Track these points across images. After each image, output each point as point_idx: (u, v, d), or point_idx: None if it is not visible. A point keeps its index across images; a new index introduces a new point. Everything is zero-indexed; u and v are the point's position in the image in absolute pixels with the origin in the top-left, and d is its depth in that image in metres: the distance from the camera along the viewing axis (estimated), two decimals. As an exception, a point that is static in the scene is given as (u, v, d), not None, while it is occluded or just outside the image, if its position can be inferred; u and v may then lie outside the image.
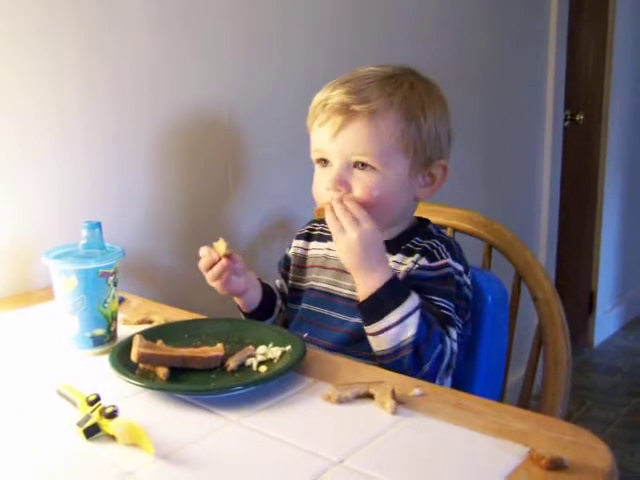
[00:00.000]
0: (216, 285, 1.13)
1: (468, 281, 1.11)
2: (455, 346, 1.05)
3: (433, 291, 1.05)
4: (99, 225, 1.03)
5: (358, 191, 1.07)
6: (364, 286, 1.01)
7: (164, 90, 1.45)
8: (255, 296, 1.20)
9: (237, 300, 1.20)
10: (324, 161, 1.10)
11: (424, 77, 1.15)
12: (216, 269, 1.10)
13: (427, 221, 1.18)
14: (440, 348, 1.01)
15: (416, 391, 0.84)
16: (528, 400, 1.29)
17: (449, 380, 1.10)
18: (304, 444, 0.74)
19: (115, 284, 1.01)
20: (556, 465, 0.67)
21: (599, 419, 2.70)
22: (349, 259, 1.01)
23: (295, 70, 1.71)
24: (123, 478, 0.69)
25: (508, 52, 2.51)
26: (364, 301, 1.01)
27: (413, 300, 0.99)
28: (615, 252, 3.54)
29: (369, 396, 0.83)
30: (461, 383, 1.12)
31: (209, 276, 1.12)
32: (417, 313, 0.98)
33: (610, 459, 0.70)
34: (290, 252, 1.27)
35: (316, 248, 1.22)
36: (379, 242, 1.02)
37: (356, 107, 1.05)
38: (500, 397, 1.26)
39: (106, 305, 1.00)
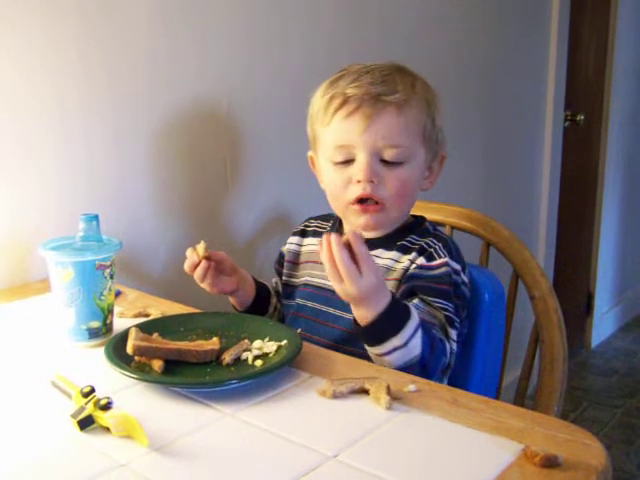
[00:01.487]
0: (204, 286, 1.13)
1: (466, 279, 1.11)
2: (455, 346, 1.05)
3: (432, 292, 1.05)
4: (96, 217, 1.03)
5: (390, 184, 1.06)
6: (364, 313, 0.95)
7: (163, 84, 1.45)
8: (248, 294, 1.20)
9: (230, 298, 1.20)
10: (346, 162, 1.07)
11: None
12: (198, 271, 1.10)
13: (423, 218, 1.18)
14: (444, 360, 1.01)
15: (411, 387, 0.84)
16: (524, 398, 1.29)
17: (445, 378, 1.10)
18: (299, 438, 0.74)
19: (112, 276, 1.01)
20: (550, 462, 0.67)
21: (595, 420, 2.70)
22: (345, 298, 0.95)
23: (295, 65, 1.71)
24: (116, 469, 0.69)
25: (509, 52, 2.51)
26: (365, 327, 0.95)
27: (414, 319, 0.95)
28: (613, 253, 3.54)
29: (364, 391, 0.83)
30: (457, 380, 1.12)
31: (195, 277, 1.12)
32: (419, 333, 0.95)
33: (604, 457, 0.70)
34: (284, 249, 1.27)
35: (311, 244, 1.22)
36: (380, 281, 0.94)
37: (386, 97, 1.04)
38: (496, 395, 1.26)
39: (102, 297, 0.99)
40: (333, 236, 0.91)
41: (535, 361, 1.29)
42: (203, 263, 1.10)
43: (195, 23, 1.49)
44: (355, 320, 0.97)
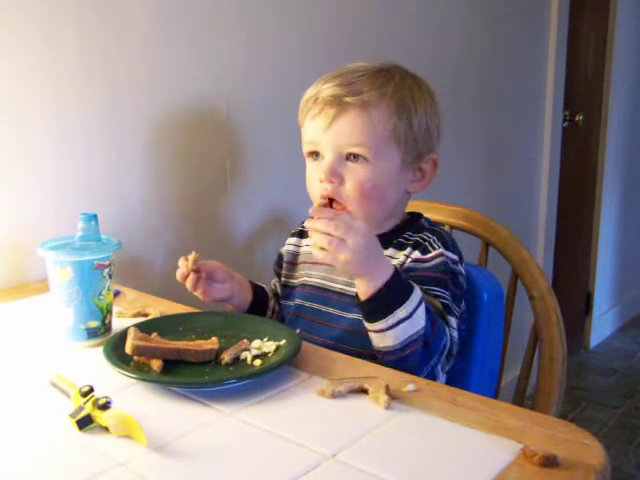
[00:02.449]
0: (196, 295, 1.13)
1: (462, 270, 1.10)
2: (455, 334, 1.04)
3: (429, 281, 1.05)
4: (95, 217, 1.03)
5: (351, 183, 1.06)
6: (366, 286, 0.95)
7: (162, 85, 1.45)
8: (244, 300, 1.20)
9: (226, 305, 1.20)
10: (316, 154, 1.10)
11: (412, 72, 1.15)
12: (188, 282, 1.11)
13: (419, 215, 1.18)
14: (445, 340, 1.01)
15: (410, 387, 0.84)
16: (523, 398, 1.29)
17: (444, 378, 1.10)
18: (297, 438, 0.74)
19: (110, 276, 1.01)
20: (549, 462, 0.67)
21: (594, 420, 2.70)
22: (345, 271, 0.96)
23: (294, 66, 1.70)
24: (115, 469, 0.69)
25: (508, 52, 2.51)
26: (368, 300, 0.95)
27: (417, 292, 0.96)
28: (612, 254, 3.54)
29: (363, 391, 0.83)
30: (456, 380, 1.12)
31: (187, 287, 1.12)
32: (423, 306, 0.96)
33: (603, 456, 0.70)
34: (283, 250, 1.27)
35: (309, 245, 1.22)
36: (372, 241, 0.95)
37: (349, 99, 1.05)
38: (495, 395, 1.26)
39: (101, 297, 0.99)
40: (310, 209, 0.95)
41: (534, 361, 1.29)
42: (192, 275, 1.10)
43: (194, 24, 1.49)
44: (357, 297, 0.97)
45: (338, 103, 1.05)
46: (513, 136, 2.63)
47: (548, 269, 2.91)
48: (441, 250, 1.07)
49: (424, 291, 1.03)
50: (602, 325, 3.51)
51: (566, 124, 2.96)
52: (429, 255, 1.07)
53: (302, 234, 1.25)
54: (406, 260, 1.09)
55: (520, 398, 1.29)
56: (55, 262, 0.97)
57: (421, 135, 1.10)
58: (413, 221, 1.16)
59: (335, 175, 1.06)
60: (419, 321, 0.95)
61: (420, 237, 1.10)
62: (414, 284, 0.97)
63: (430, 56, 2.14)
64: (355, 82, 1.06)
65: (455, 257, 1.09)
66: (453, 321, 1.05)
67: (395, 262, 1.09)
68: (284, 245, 1.27)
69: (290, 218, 1.69)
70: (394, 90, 1.07)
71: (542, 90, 2.75)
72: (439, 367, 1.04)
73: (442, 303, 1.04)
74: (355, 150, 1.06)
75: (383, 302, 0.94)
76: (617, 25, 3.18)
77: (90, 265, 0.98)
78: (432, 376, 1.04)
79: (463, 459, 0.71)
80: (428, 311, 0.97)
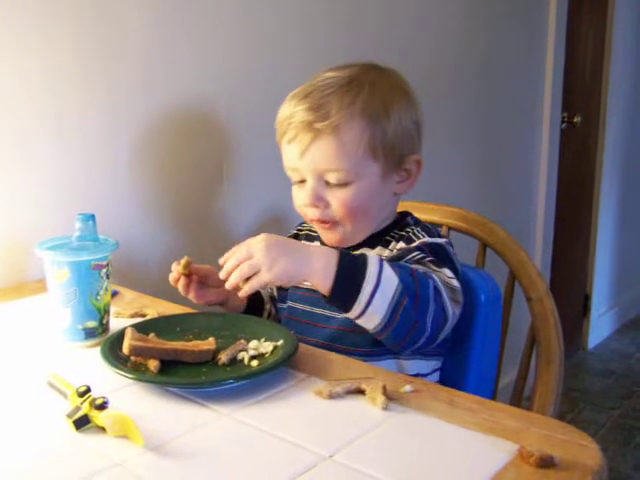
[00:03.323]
0: (190, 298, 1.13)
1: (452, 251, 1.08)
2: (455, 282, 1.00)
3: (405, 256, 1.03)
4: (93, 217, 1.02)
5: (335, 205, 1.07)
6: (320, 279, 0.91)
7: (160, 86, 1.45)
8: (238, 304, 1.20)
9: (220, 308, 1.20)
10: (299, 178, 1.10)
11: (387, 70, 1.13)
12: (179, 286, 1.11)
13: (407, 214, 1.18)
14: (432, 283, 0.95)
15: (407, 387, 0.84)
16: (520, 399, 1.29)
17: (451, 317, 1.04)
18: (294, 438, 0.74)
19: (108, 276, 1.01)
20: (545, 462, 0.67)
21: (592, 421, 2.71)
22: (285, 281, 0.93)
23: (292, 67, 1.70)
24: (112, 469, 0.69)
25: (506, 53, 2.51)
26: (331, 292, 0.91)
27: (372, 256, 0.93)
28: (610, 255, 3.55)
29: (360, 392, 0.83)
30: (453, 381, 1.12)
31: (179, 290, 1.12)
32: (386, 265, 0.92)
33: (600, 457, 0.70)
34: None
35: None
36: (278, 239, 0.94)
37: (318, 125, 1.04)
38: (492, 396, 1.26)
39: (98, 297, 0.99)
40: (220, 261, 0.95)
41: (532, 362, 1.29)
42: (182, 279, 1.10)
43: (193, 25, 1.49)
44: (326, 297, 0.94)
45: (309, 130, 1.05)
46: (511, 137, 2.63)
47: (546, 270, 2.91)
48: (425, 239, 1.07)
49: (408, 262, 1.01)
50: (600, 326, 3.51)
51: (564, 125, 2.96)
52: (413, 245, 1.06)
53: (296, 237, 1.26)
54: (391, 254, 1.09)
55: (518, 399, 1.29)
56: (53, 262, 0.97)
57: (398, 140, 1.08)
58: (401, 220, 1.16)
59: (319, 199, 1.08)
60: (391, 281, 0.91)
61: (405, 231, 1.11)
62: (366, 252, 0.94)
63: (428, 57, 2.14)
64: (324, 103, 1.05)
65: (440, 241, 1.07)
66: (447, 271, 1.01)
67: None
68: None
69: (287, 220, 1.68)
70: (364, 105, 1.06)
71: (540, 91, 2.75)
72: (449, 309, 0.97)
73: (424, 262, 1.01)
74: (333, 175, 1.06)
75: (344, 286, 0.91)
76: (615, 26, 3.18)
77: (87, 265, 0.97)
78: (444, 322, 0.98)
79: (460, 460, 0.71)
80: (398, 265, 0.95)
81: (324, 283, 0.91)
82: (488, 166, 2.53)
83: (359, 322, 0.94)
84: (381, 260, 0.93)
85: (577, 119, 3.01)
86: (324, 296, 0.94)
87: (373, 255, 0.94)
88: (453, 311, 0.98)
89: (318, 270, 0.91)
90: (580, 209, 3.31)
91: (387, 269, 0.92)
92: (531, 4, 2.63)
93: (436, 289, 0.96)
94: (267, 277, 0.90)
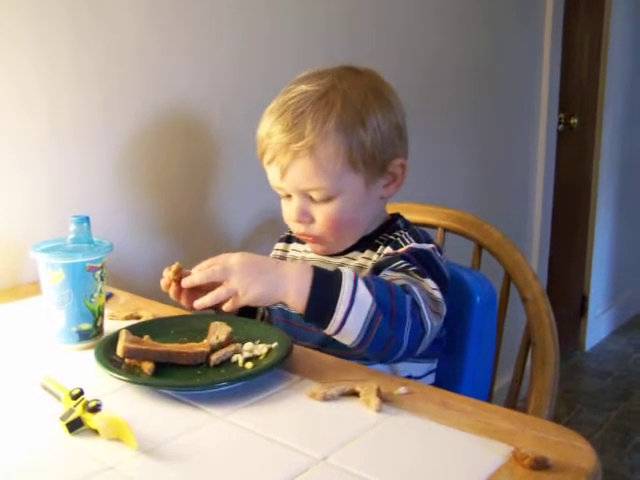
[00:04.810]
0: (182, 303, 1.13)
1: (442, 258, 1.08)
2: (437, 294, 0.99)
3: (391, 264, 1.03)
4: (87, 219, 1.02)
5: (320, 220, 1.08)
6: (295, 300, 0.92)
7: (155, 90, 1.45)
8: None
9: (213, 312, 1.20)
10: (285, 193, 1.11)
11: (363, 73, 1.12)
12: (170, 291, 1.09)
13: (398, 216, 1.18)
14: (410, 298, 0.94)
15: (402, 389, 0.84)
16: (516, 401, 1.29)
17: (435, 349, 1.06)
18: (288, 441, 0.74)
19: (102, 278, 1.00)
20: (539, 464, 0.67)
21: (589, 423, 2.71)
22: (263, 302, 0.96)
23: (288, 70, 1.69)
24: (105, 472, 0.68)
25: (502, 55, 2.52)
26: (306, 312, 0.92)
27: (347, 275, 0.92)
28: (607, 256, 3.55)
29: (354, 394, 0.83)
30: (448, 383, 1.12)
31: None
32: (361, 282, 0.92)
33: (594, 459, 0.70)
34: (271, 255, 1.27)
35: (296, 250, 1.23)
36: (253, 258, 0.95)
37: (294, 146, 1.04)
38: (488, 398, 1.26)
39: (93, 300, 0.99)
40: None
41: (527, 363, 1.29)
42: (173, 285, 1.10)
43: (189, 29, 1.49)
44: (302, 315, 0.94)
45: (286, 151, 1.05)
46: (508, 139, 2.64)
47: (543, 272, 2.91)
48: (412, 245, 1.06)
49: (393, 270, 1.01)
50: (597, 327, 3.51)
51: (561, 127, 2.97)
52: (400, 250, 1.06)
53: (289, 239, 1.26)
54: (378, 258, 1.09)
55: (513, 401, 1.29)
56: (47, 264, 0.97)
57: (378, 148, 1.07)
58: (391, 222, 1.16)
59: (305, 215, 1.09)
60: (365, 301, 0.91)
61: (393, 235, 1.11)
62: (341, 268, 0.94)
63: (426, 59, 2.14)
64: (298, 123, 1.04)
65: (428, 247, 1.06)
66: (430, 282, 1.00)
67: (369, 263, 1.10)
68: (272, 250, 1.28)
69: (281, 223, 1.68)
70: (338, 119, 1.04)
71: (537, 93, 2.76)
72: (428, 323, 0.95)
73: (408, 271, 1.01)
74: (316, 193, 1.07)
75: (320, 304, 0.91)
76: (612, 28, 3.18)
77: (82, 267, 0.97)
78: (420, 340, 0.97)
79: (454, 462, 0.70)
80: (375, 281, 0.94)
81: (299, 304, 0.92)
82: (484, 167, 2.53)
83: (336, 338, 0.95)
84: (356, 278, 0.92)
85: (574, 121, 3.01)
86: (304, 317, 0.94)
87: (348, 272, 0.93)
88: (432, 324, 0.96)
89: (292, 292, 0.92)
90: (577, 210, 3.31)
91: (361, 287, 0.91)
92: (528, 6, 2.63)
93: (414, 303, 0.95)
94: (243, 301, 0.93)
